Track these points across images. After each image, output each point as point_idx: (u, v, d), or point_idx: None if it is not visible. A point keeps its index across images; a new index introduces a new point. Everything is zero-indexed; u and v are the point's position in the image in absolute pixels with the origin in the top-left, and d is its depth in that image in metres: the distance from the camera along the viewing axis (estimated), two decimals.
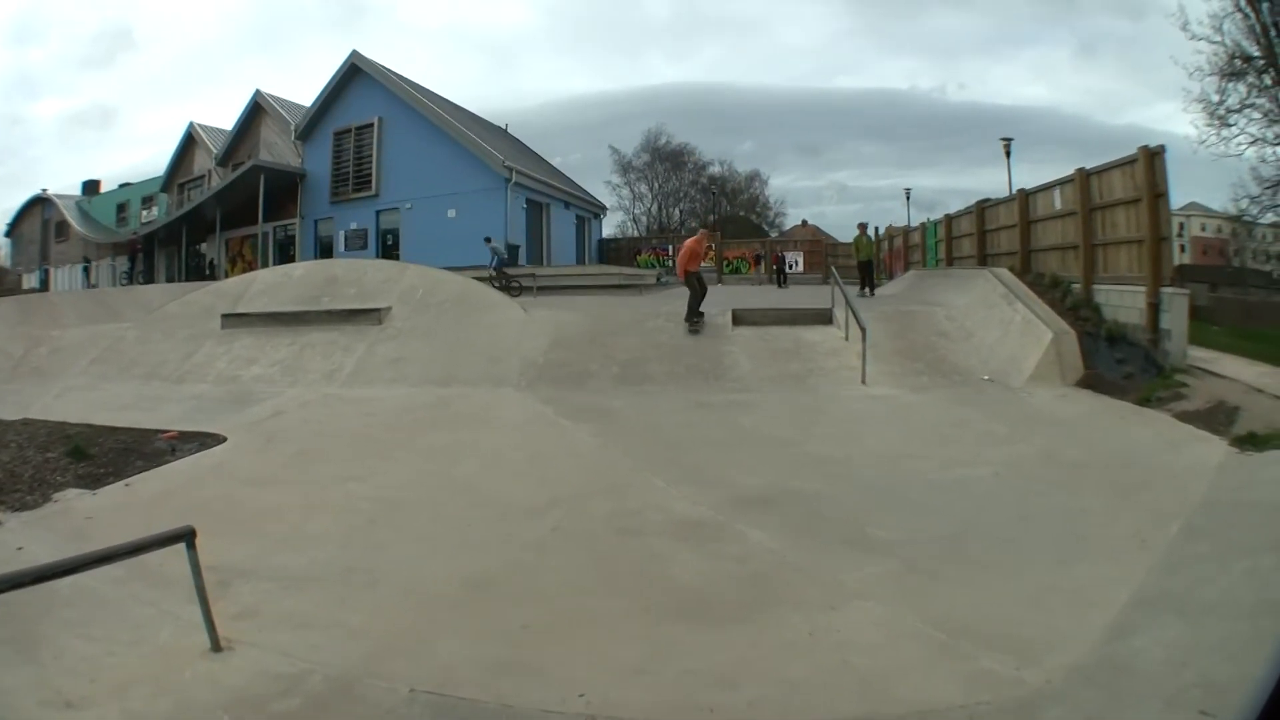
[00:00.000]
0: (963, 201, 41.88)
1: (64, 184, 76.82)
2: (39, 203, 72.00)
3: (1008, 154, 42.15)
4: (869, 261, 31.42)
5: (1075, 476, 10.14)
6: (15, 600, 6.10)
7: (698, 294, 20.85)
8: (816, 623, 6.72)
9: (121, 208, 66.94)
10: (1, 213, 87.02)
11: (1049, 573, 7.38)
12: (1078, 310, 18.02)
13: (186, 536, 6.73)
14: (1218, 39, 34.67)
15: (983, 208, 28.33)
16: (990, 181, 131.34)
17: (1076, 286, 19.16)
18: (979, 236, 28.06)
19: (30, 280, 68.30)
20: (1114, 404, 13.84)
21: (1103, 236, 18.54)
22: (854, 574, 7.64)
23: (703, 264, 23.71)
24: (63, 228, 68.46)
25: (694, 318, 20.59)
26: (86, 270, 63.47)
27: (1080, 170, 19.41)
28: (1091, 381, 15.16)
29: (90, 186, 72.83)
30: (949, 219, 33.05)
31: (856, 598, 7.15)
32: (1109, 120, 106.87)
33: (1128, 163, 17.23)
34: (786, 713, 5.54)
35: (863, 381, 16.32)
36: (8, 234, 76.35)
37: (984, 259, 27.24)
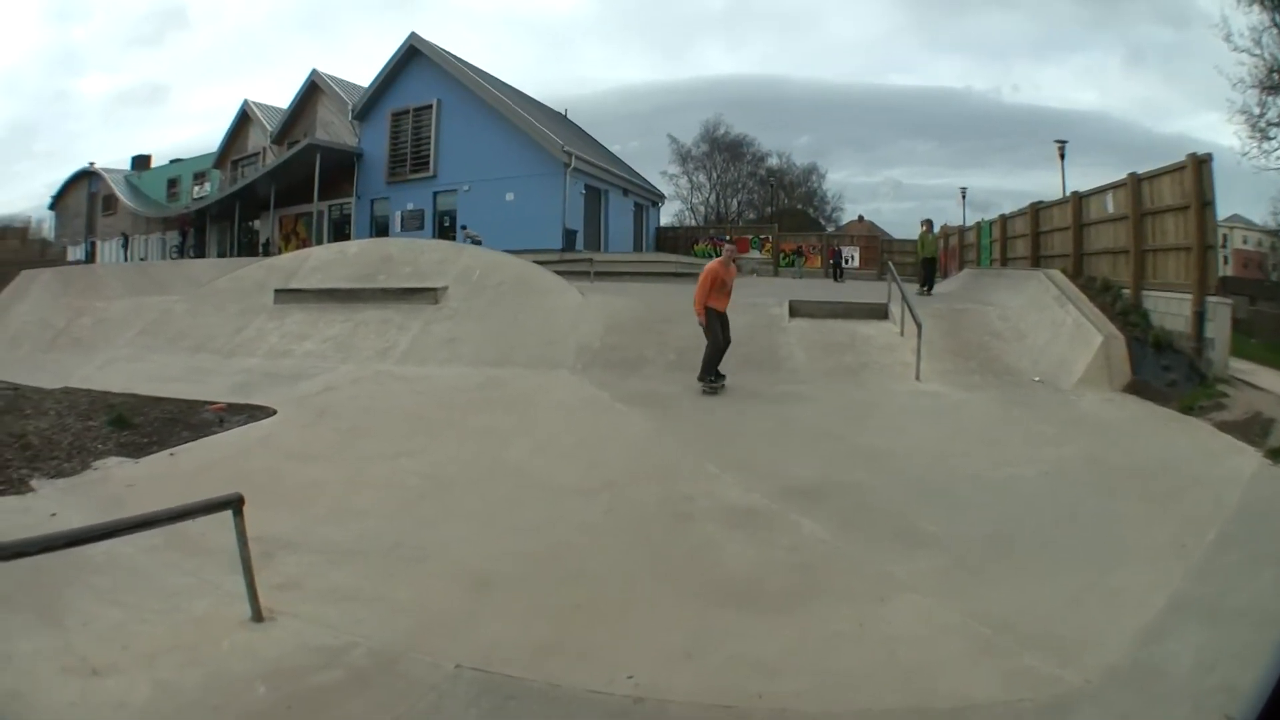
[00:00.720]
0: (1014, 203, 42.12)
1: (109, 159, 77.78)
2: (85, 176, 72.81)
3: (1062, 156, 42.60)
4: (933, 259, 31.08)
5: (1118, 481, 10.18)
6: (43, 566, 6.09)
7: (718, 344, 15.80)
8: (866, 614, 6.77)
9: (172, 183, 67.53)
10: (45, 186, 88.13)
11: (1089, 574, 7.43)
12: (1127, 315, 17.94)
13: (234, 503, 6.68)
14: (1257, 52, 34.60)
15: (1037, 209, 28.27)
16: (1041, 184, 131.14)
17: (1126, 291, 19.13)
18: (1033, 238, 28.06)
19: (76, 253, 68.93)
20: (1158, 410, 13.84)
21: (1152, 243, 18.57)
22: (903, 567, 7.70)
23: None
24: (110, 201, 69.25)
25: (710, 375, 15.71)
26: (125, 245, 64.04)
27: (1132, 175, 19.30)
28: (1137, 387, 15.17)
29: (140, 161, 73.44)
30: (1004, 219, 33.25)
31: (905, 591, 7.21)
32: (1156, 128, 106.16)
33: (1177, 169, 17.24)
34: (834, 702, 5.54)
35: (917, 378, 16.35)
36: (51, 207, 76.94)
37: (1037, 260, 27.23)
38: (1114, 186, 20.61)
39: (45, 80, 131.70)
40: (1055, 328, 18.03)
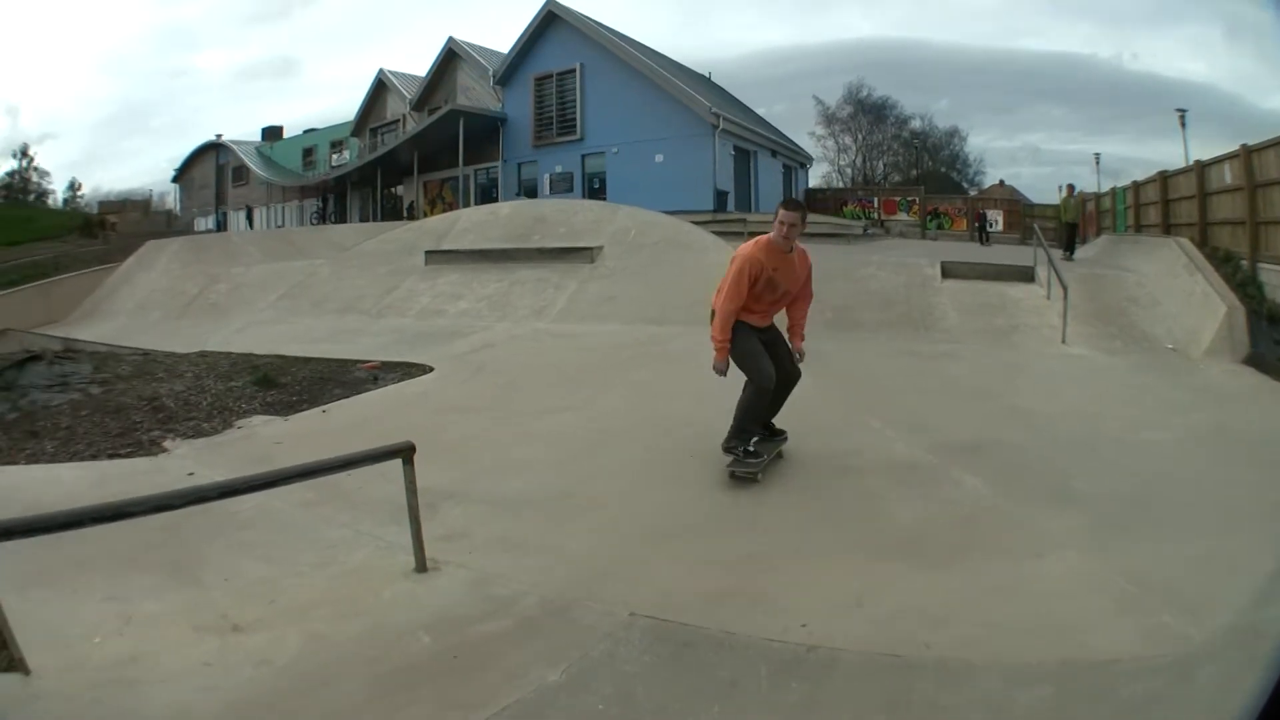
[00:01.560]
0: (1143, 170, 42.10)
1: (235, 132, 79.41)
2: (213, 148, 74.94)
3: (1183, 125, 43.22)
4: (1074, 224, 31.56)
5: (1240, 450, 10.17)
6: (178, 525, 6.53)
7: (765, 382, 9.00)
8: (1024, 568, 6.90)
9: (308, 152, 69.38)
10: (167, 161, 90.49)
11: (1215, 537, 7.46)
12: (1245, 288, 18.12)
13: (404, 452, 6.72)
14: None
15: (1165, 177, 28.75)
16: (1165, 153, 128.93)
17: (1245, 263, 19.44)
18: (1163, 205, 28.46)
19: (205, 223, 71.00)
20: (1273, 384, 13.83)
21: (1264, 215, 19.04)
22: (1057, 523, 7.78)
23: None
24: (241, 172, 71.48)
25: (744, 440, 9.04)
26: (249, 217, 65.48)
27: (1244, 146, 19.76)
28: (1255, 360, 15.06)
29: (271, 132, 75.54)
30: (1136, 186, 33.54)
31: (1059, 547, 7.29)
32: (1260, 103, 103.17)
33: (1277, 143, 18.08)
34: (996, 653, 5.59)
35: (1063, 341, 16.46)
36: (175, 179, 78.77)
37: (1168, 228, 27.54)
38: (1229, 157, 21.29)
39: (156, 60, 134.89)
40: (1186, 297, 18.19)
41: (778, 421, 9.56)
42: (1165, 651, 5.49)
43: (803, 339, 9.55)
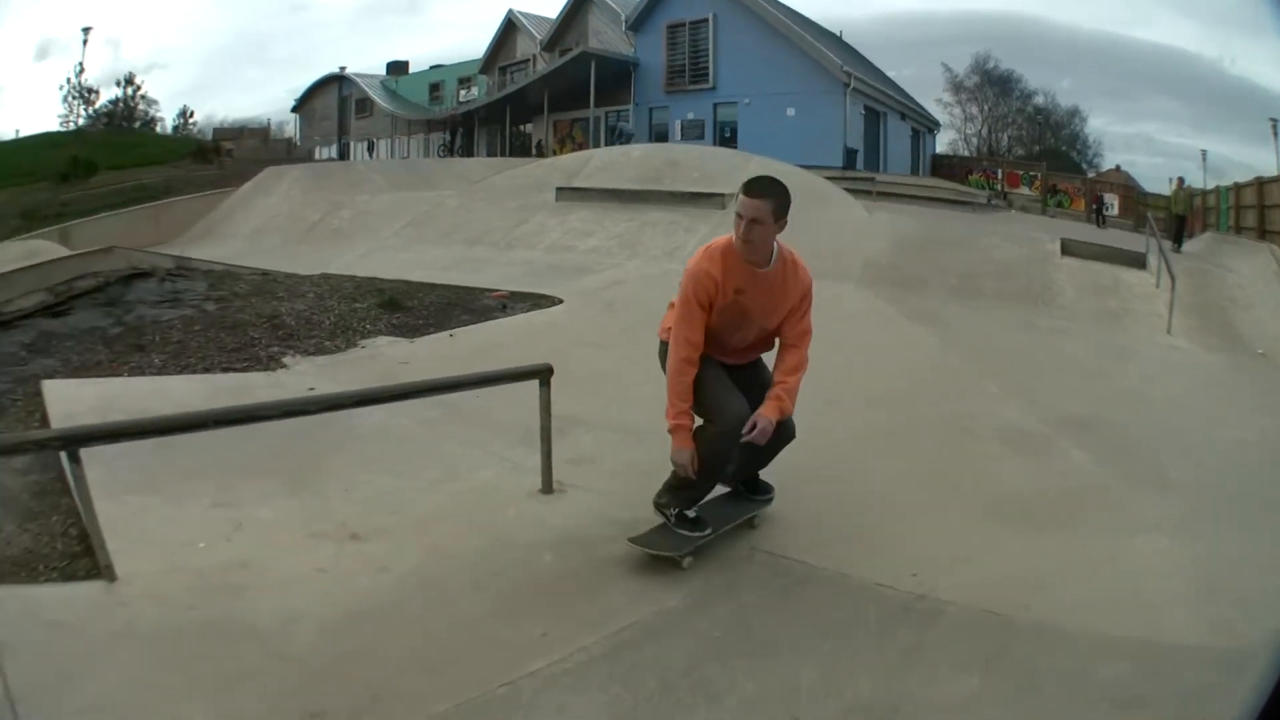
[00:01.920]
0: (1242, 173, 41.46)
1: (358, 65, 79.65)
2: (335, 80, 74.51)
3: (1275, 134, 41.15)
4: (1183, 216, 31.81)
5: None
6: (299, 435, 6.71)
7: (730, 432, 5.82)
8: (1119, 546, 7.01)
9: (435, 87, 69.10)
10: (286, 91, 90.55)
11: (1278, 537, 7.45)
12: None
13: (542, 373, 6.85)
14: None
15: (1260, 183, 29.08)
16: (1264, 159, 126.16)
17: None
18: (1259, 210, 28.50)
19: (326, 153, 71.05)
20: None
21: None
22: (1153, 508, 7.92)
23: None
24: (364, 104, 70.95)
25: (686, 507, 6.05)
26: (371, 149, 65.94)
27: None
28: None
29: (396, 67, 75.17)
30: (1237, 187, 33.51)
31: (1153, 530, 7.38)
32: None
33: None
34: (1088, 621, 5.70)
35: (1168, 331, 16.54)
36: (295, 110, 79.20)
37: (1263, 233, 27.52)
38: None
39: None
40: (1276, 304, 18.48)
41: (765, 474, 6.76)
42: (1225, 644, 5.54)
43: (781, 412, 6.00)
